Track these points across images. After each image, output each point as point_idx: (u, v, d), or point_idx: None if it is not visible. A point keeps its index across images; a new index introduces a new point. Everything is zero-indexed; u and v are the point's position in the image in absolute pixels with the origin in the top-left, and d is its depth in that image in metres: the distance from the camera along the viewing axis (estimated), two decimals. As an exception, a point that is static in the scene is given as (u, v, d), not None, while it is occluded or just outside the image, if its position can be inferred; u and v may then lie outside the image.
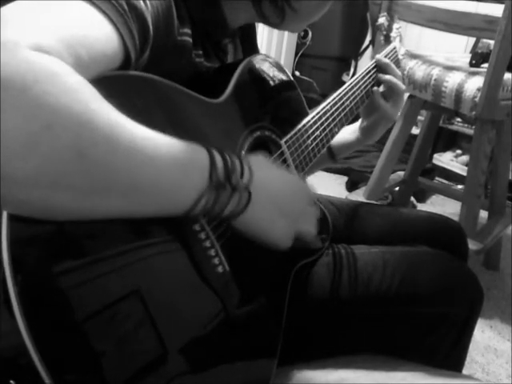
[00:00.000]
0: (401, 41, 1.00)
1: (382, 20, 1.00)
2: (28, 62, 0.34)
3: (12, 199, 0.35)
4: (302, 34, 2.93)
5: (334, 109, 0.77)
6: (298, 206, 0.58)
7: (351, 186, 2.29)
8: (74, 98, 0.35)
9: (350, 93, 0.81)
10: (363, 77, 0.85)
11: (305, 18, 0.68)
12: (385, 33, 1.00)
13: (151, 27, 0.48)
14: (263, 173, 0.54)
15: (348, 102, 0.80)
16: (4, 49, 0.33)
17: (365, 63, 2.81)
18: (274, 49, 2.82)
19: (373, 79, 0.88)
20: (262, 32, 2.74)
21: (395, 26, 1.00)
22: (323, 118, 0.74)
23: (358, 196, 1.69)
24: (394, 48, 0.97)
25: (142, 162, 0.39)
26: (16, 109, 0.33)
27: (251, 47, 0.79)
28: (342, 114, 0.79)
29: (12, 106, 0.33)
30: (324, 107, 0.75)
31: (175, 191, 0.43)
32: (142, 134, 0.40)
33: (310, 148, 0.72)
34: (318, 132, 0.73)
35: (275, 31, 2.77)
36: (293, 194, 0.58)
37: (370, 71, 0.88)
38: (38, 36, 0.36)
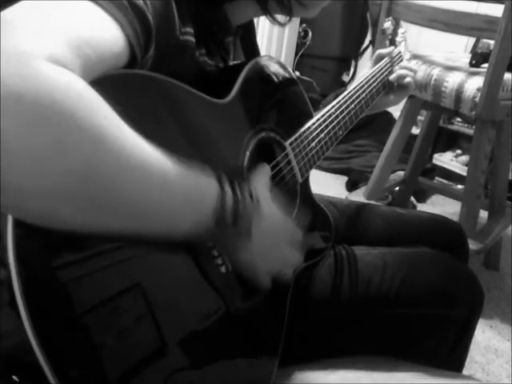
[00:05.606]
0: (406, 45, 1.00)
1: (388, 24, 1.00)
2: (43, 77, 0.33)
3: (17, 209, 0.35)
4: (302, 34, 2.93)
5: (338, 112, 0.77)
6: (283, 251, 0.57)
7: (351, 186, 2.29)
8: (90, 116, 0.35)
9: (354, 96, 0.81)
10: (368, 80, 0.86)
11: (312, 9, 0.67)
12: (390, 37, 1.00)
13: (153, 26, 0.48)
14: (267, 215, 0.53)
15: (353, 105, 0.80)
16: (17, 60, 0.33)
17: (365, 63, 2.81)
18: (274, 49, 2.82)
19: (378, 83, 0.88)
20: (262, 32, 2.74)
21: (400, 30, 1.00)
22: (328, 121, 0.74)
23: (358, 196, 1.69)
24: (400, 53, 0.97)
25: (149, 187, 0.40)
26: (29, 124, 0.32)
27: (251, 45, 0.79)
28: (347, 118, 0.79)
29: (26, 121, 0.32)
30: (329, 110, 0.75)
31: (177, 221, 0.43)
32: (152, 157, 0.40)
33: (315, 151, 0.72)
34: (322, 135, 0.73)
35: (275, 31, 2.77)
36: (281, 239, 0.57)
37: (375, 75, 0.88)
38: (49, 43, 0.36)
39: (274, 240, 0.55)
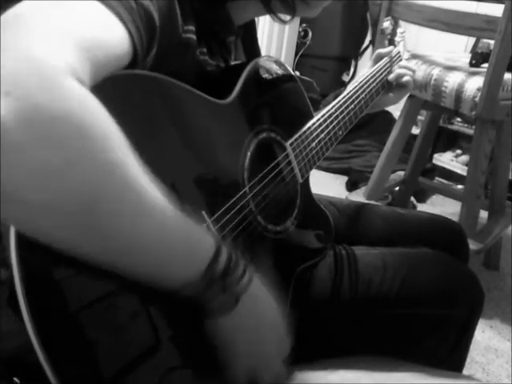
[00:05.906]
0: (405, 45, 1.01)
1: (387, 24, 1.00)
2: (61, 94, 0.33)
3: (16, 221, 0.35)
4: (302, 33, 2.93)
5: (338, 112, 0.77)
6: (270, 352, 0.52)
7: (351, 186, 2.29)
8: (103, 144, 0.35)
9: (354, 96, 0.81)
10: (368, 80, 0.86)
11: (315, 8, 0.67)
12: (389, 37, 1.00)
13: (158, 26, 0.48)
14: (261, 295, 0.50)
15: (352, 105, 0.81)
16: (38, 72, 0.33)
17: (365, 63, 2.81)
18: (274, 49, 2.82)
19: (378, 83, 0.88)
20: (262, 32, 2.74)
21: (399, 30, 1.01)
22: (328, 121, 0.74)
23: (358, 196, 1.69)
24: (399, 52, 0.98)
25: (145, 230, 0.39)
26: (45, 139, 0.32)
27: (252, 45, 0.79)
28: (347, 118, 0.79)
29: (41, 136, 0.32)
30: (329, 110, 0.76)
31: (165, 271, 0.42)
32: (153, 200, 0.39)
33: (315, 151, 0.72)
34: (322, 135, 0.73)
35: (275, 31, 2.77)
36: (272, 338, 0.52)
37: (375, 75, 0.88)
38: (63, 48, 0.35)
39: (259, 325, 0.50)
